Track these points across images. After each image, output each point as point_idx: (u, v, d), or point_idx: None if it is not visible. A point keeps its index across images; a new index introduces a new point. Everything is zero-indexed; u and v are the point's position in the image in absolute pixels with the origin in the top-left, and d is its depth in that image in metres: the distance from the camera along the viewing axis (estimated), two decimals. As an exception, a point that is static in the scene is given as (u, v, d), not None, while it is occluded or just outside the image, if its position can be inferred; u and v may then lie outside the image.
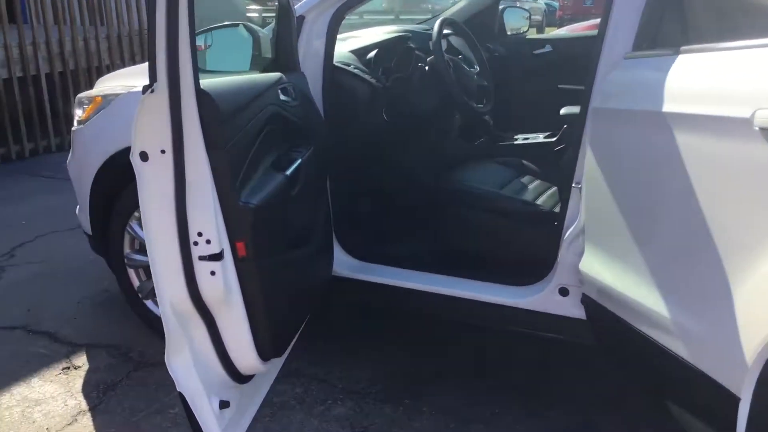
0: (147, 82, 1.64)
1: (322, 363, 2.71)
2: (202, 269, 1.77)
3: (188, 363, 1.82)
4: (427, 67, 2.99)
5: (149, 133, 1.66)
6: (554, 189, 2.87)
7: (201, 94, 1.67)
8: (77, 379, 2.65)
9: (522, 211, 2.69)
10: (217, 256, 1.76)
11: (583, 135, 2.08)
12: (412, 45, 3.27)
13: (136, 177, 1.69)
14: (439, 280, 2.57)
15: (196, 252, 1.75)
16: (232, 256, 1.81)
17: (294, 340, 2.28)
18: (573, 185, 2.19)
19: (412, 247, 2.90)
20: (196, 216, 1.72)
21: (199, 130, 1.68)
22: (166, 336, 1.79)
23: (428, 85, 3.00)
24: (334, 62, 2.72)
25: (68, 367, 2.73)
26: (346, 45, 3.14)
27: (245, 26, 2.54)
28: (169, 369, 1.81)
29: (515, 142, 3.32)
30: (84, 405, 2.47)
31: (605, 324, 2.05)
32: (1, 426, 2.36)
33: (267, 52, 2.55)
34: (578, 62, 2.53)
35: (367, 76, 2.84)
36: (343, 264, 2.75)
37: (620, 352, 2.11)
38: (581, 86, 2.14)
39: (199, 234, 1.73)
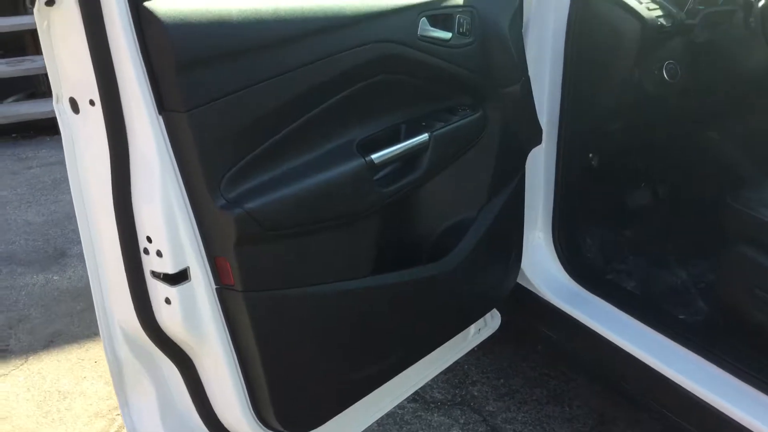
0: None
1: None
2: (155, 291, 1.16)
3: (152, 407, 1.28)
4: (760, 2, 1.74)
5: (71, 68, 1.06)
6: None
7: (143, 15, 1.00)
8: None
9: None
10: (173, 279, 1.13)
11: None
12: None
13: (62, 134, 1.12)
14: (707, 375, 1.54)
15: (147, 264, 1.15)
16: (210, 279, 1.17)
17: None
18: None
19: (672, 295, 1.90)
20: (143, 212, 1.11)
21: (142, 76, 1.02)
22: (112, 369, 1.26)
23: (758, 30, 1.76)
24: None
25: None
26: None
27: None
28: (122, 414, 1.29)
29: None
30: None
31: None
32: None
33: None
34: None
35: (642, 6, 1.75)
36: (555, 286, 1.87)
37: None
38: None
39: (149, 239, 1.12)
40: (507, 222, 1.72)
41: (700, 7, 1.89)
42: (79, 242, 1.20)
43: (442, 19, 1.44)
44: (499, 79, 1.55)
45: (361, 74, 1.29)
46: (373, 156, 1.30)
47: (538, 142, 1.70)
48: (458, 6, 1.47)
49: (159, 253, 1.11)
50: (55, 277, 2.88)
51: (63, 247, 3.12)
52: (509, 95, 1.58)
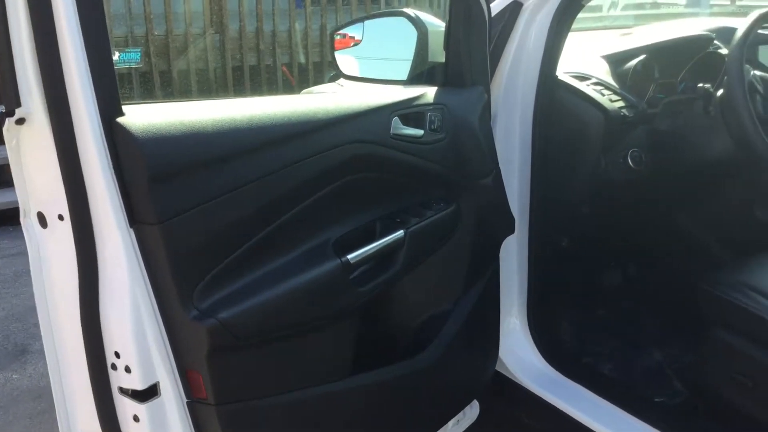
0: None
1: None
2: (123, 408, 1.11)
3: None
4: (719, 92, 1.80)
5: (40, 184, 1.04)
6: None
7: (116, 130, 0.99)
8: None
9: None
10: (142, 395, 1.08)
11: None
12: (723, 51, 2.07)
13: (28, 249, 1.08)
14: None
15: (114, 380, 1.10)
16: (180, 393, 1.12)
17: None
18: None
19: (648, 378, 1.90)
20: (111, 327, 1.06)
21: (113, 190, 1.00)
22: None
23: (718, 119, 1.82)
24: (557, 74, 1.78)
25: None
26: (608, 46, 2.10)
27: (409, 16, 1.74)
28: None
29: None
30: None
31: None
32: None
33: (438, 56, 1.73)
34: None
35: (605, 98, 1.80)
36: (532, 372, 1.85)
37: None
38: None
39: (116, 354, 1.07)
40: (483, 311, 1.70)
41: (660, 96, 1.96)
42: (41, 338, 1.15)
43: (413, 117, 1.46)
44: (471, 172, 1.57)
45: (335, 175, 1.29)
46: (349, 256, 1.29)
47: (511, 231, 1.71)
48: (429, 104, 1.50)
49: (127, 369, 1.07)
50: (14, 376, 2.75)
51: (24, 342, 3.00)
52: (481, 187, 1.60)
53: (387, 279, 1.38)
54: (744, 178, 1.96)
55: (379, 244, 1.35)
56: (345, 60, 1.84)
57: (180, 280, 1.05)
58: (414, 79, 1.71)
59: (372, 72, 1.81)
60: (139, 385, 1.07)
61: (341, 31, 1.88)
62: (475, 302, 1.65)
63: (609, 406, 1.75)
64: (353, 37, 1.84)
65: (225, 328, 1.08)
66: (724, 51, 2.07)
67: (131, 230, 1.02)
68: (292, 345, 1.24)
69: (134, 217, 1.02)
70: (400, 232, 1.39)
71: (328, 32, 6.72)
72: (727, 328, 1.63)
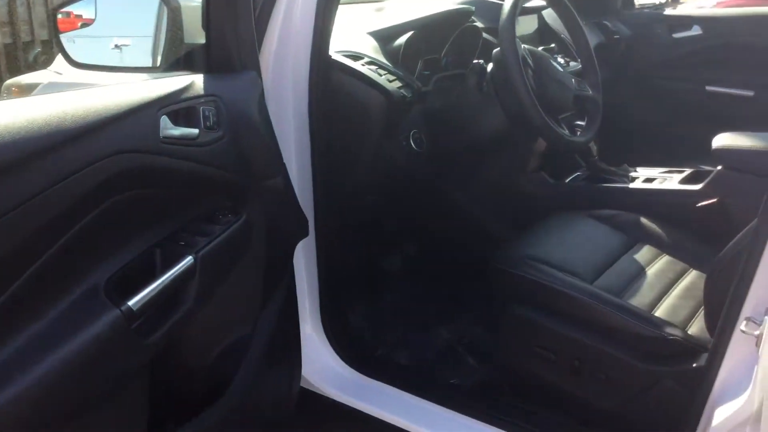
0: None
1: None
2: None
3: None
4: (490, 65, 1.79)
5: None
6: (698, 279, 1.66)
7: None
8: None
9: (635, 333, 1.48)
10: None
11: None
12: (480, 25, 2.07)
13: None
14: None
15: None
16: None
17: None
18: (742, 326, 1.12)
19: (443, 361, 1.88)
20: None
21: None
22: None
23: (491, 94, 1.80)
24: (330, 54, 1.60)
25: None
26: (369, 22, 1.98)
27: (157, -10, 1.44)
28: None
29: (630, 186, 2.04)
30: None
31: None
32: None
33: (196, 36, 1.44)
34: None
35: (383, 78, 1.68)
36: (332, 378, 1.70)
37: None
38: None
39: None
40: (283, 327, 1.50)
41: (426, 73, 1.90)
42: None
43: (184, 114, 1.19)
44: (257, 174, 1.34)
45: (94, 200, 0.98)
46: (131, 302, 1.00)
47: (305, 233, 1.53)
48: (199, 96, 1.23)
49: None
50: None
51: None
52: (269, 189, 1.38)
53: (179, 319, 1.11)
54: (515, 152, 2.00)
55: (166, 278, 1.07)
56: (74, 44, 1.47)
57: None
58: (170, 66, 1.43)
59: (114, 58, 1.47)
60: None
61: (65, 9, 1.50)
62: (275, 320, 1.44)
63: (411, 399, 1.68)
64: (80, 16, 1.48)
65: None
66: (480, 24, 2.07)
67: None
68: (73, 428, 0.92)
69: None
70: (189, 259, 1.12)
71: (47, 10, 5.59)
72: (523, 303, 1.64)
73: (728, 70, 2.52)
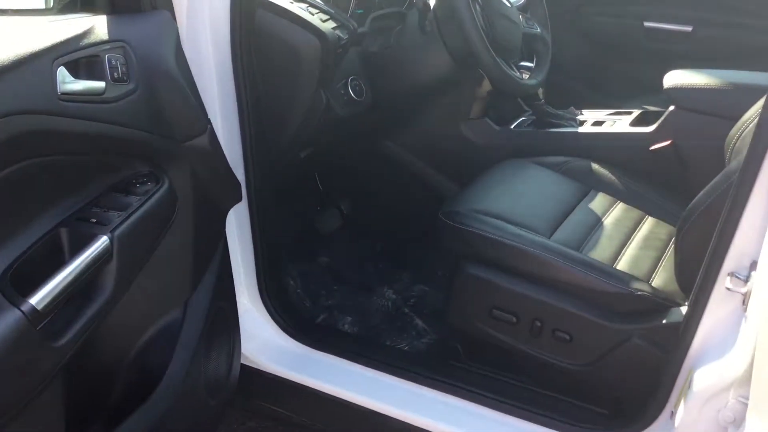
0: None
1: None
2: None
3: None
4: (432, 1, 1.62)
5: None
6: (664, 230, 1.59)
7: None
8: None
9: (599, 290, 1.39)
10: None
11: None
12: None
13: None
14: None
15: None
16: None
17: None
18: (727, 283, 1.04)
19: (388, 324, 1.77)
20: None
21: None
22: None
23: (434, 34, 1.64)
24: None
25: None
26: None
27: None
28: None
29: (580, 130, 1.94)
30: None
31: None
32: None
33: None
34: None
35: (315, 18, 1.49)
36: (273, 351, 1.56)
37: None
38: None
39: None
40: (219, 304, 1.34)
41: (359, 11, 1.72)
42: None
43: (85, 65, 0.98)
44: (179, 133, 1.15)
45: None
46: (33, 300, 0.81)
47: (239, 198, 1.35)
48: (103, 42, 1.03)
49: None
50: None
51: None
52: (195, 150, 1.18)
53: (95, 314, 0.93)
54: (458, 97, 1.85)
55: (77, 266, 0.89)
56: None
57: None
58: (64, 7, 1.19)
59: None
60: None
61: None
62: (209, 297, 1.28)
63: (359, 369, 1.57)
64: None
65: None
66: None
67: None
68: None
69: None
70: (104, 239, 0.93)
71: None
72: (477, 262, 1.52)
73: (664, 4, 2.45)
